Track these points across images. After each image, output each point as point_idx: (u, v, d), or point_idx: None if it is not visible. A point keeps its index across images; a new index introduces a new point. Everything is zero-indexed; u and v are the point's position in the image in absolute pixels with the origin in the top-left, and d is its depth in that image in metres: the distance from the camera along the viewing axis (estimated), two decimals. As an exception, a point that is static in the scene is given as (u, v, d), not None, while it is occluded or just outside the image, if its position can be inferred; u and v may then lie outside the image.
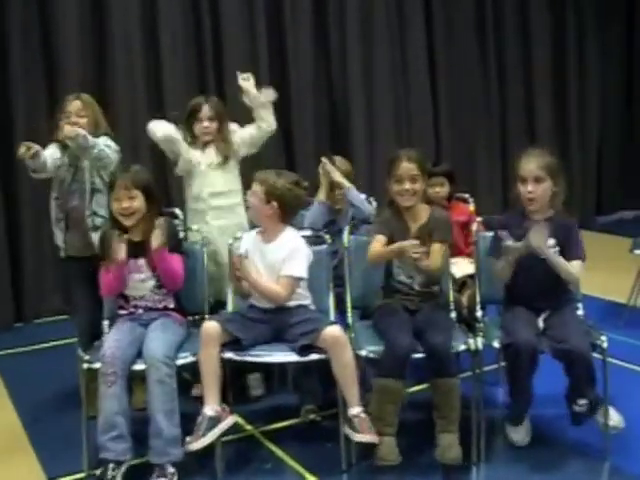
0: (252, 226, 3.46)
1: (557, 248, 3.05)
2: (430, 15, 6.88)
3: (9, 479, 3.11)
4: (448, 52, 7.01)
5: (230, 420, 3.00)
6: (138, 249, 3.13)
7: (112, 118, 3.63)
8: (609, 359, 2.99)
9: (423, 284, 3.17)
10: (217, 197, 3.63)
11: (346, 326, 3.26)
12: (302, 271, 3.09)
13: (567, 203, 3.21)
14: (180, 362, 3.00)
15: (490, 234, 3.31)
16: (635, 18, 7.98)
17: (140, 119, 3.71)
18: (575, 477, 2.93)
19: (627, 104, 8.11)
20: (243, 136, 3.70)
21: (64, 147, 3.53)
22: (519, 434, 3.09)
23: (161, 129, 3.61)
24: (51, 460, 3.19)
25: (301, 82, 6.20)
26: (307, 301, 3.19)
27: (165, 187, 5.10)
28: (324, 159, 3.78)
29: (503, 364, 3.28)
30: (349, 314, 3.32)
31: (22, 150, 3.28)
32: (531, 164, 3.07)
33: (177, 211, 3.79)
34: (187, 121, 3.66)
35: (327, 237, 3.41)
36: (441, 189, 3.83)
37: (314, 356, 2.96)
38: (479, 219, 3.53)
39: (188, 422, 2.94)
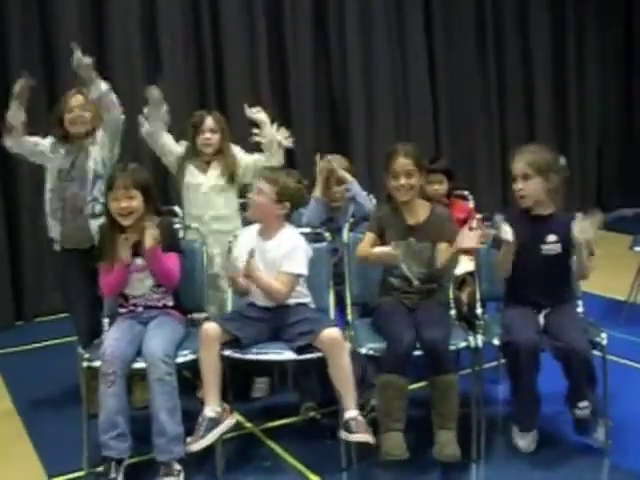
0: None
1: (559, 244, 3.05)
2: (430, 15, 6.88)
3: (9, 478, 3.11)
4: (448, 52, 7.01)
5: (230, 421, 3.00)
6: (137, 248, 3.12)
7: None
8: (609, 356, 2.98)
9: (422, 281, 3.16)
10: (218, 221, 3.61)
11: (346, 323, 3.27)
12: (302, 268, 3.10)
13: (567, 201, 3.21)
14: (180, 360, 3.00)
15: (490, 231, 3.31)
16: (635, 18, 7.99)
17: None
18: (575, 474, 2.93)
19: (627, 104, 8.11)
20: (248, 162, 3.67)
21: (61, 140, 3.54)
22: (526, 441, 3.05)
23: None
24: (51, 459, 3.19)
25: (301, 82, 6.20)
26: (307, 299, 3.19)
27: (165, 185, 5.09)
28: (319, 159, 3.77)
29: (503, 362, 3.28)
30: (349, 312, 3.32)
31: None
32: (519, 162, 3.08)
33: (176, 209, 3.80)
34: (190, 136, 3.64)
35: (327, 234, 3.41)
36: (440, 186, 3.82)
37: (312, 355, 2.96)
38: (479, 216, 3.52)
39: (191, 420, 2.95)
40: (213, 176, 3.62)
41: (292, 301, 3.12)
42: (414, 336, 2.93)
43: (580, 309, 3.24)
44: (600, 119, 7.92)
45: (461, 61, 7.06)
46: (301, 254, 3.10)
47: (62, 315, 4.95)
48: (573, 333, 2.91)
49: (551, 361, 2.92)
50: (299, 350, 2.96)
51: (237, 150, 3.72)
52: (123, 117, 3.58)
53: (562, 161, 3.12)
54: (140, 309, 3.17)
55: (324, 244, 3.38)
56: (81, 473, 3.04)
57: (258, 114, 3.66)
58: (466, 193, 4.07)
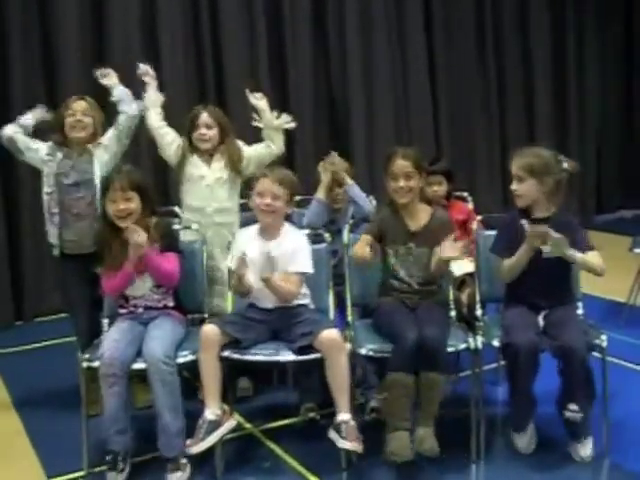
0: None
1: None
2: (430, 15, 6.89)
3: (8, 478, 3.11)
4: (448, 52, 7.02)
5: (230, 424, 3.00)
6: None
7: (112, 117, 3.63)
8: (609, 358, 2.99)
9: (422, 282, 3.17)
10: (221, 213, 3.60)
11: (346, 324, 3.27)
12: (309, 266, 3.10)
13: (566, 202, 3.20)
14: (180, 361, 3.00)
15: (490, 233, 3.32)
16: (635, 18, 7.99)
17: (139, 118, 3.70)
18: (575, 475, 2.93)
19: (627, 104, 8.11)
20: (250, 154, 3.66)
21: (60, 144, 3.55)
22: (523, 441, 3.06)
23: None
24: (51, 459, 3.19)
25: (300, 81, 6.21)
26: (307, 300, 3.19)
27: (165, 186, 5.10)
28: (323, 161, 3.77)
29: (503, 363, 3.28)
30: (349, 312, 3.32)
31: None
32: (513, 164, 3.09)
33: (176, 209, 3.80)
34: (187, 132, 3.62)
35: (327, 235, 3.41)
36: (439, 188, 3.82)
37: (311, 355, 2.95)
38: (479, 217, 3.53)
39: (191, 421, 2.96)
40: (217, 168, 3.60)
41: (293, 302, 3.11)
42: (417, 334, 2.93)
43: (580, 311, 3.24)
44: (600, 119, 7.92)
45: (461, 61, 7.06)
46: (306, 252, 3.11)
47: (62, 315, 4.95)
48: (571, 333, 2.90)
49: (551, 361, 2.92)
50: (299, 351, 2.96)
51: (239, 144, 3.70)
52: (138, 114, 3.63)
53: (564, 163, 3.12)
54: (140, 310, 3.17)
55: (324, 245, 3.38)
56: (80, 473, 3.04)
57: (260, 101, 3.67)
58: (465, 194, 4.07)
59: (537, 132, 7.43)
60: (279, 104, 3.92)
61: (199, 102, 5.48)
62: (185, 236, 3.43)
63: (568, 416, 2.91)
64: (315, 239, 3.35)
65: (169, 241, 3.19)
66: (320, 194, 3.72)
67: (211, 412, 2.93)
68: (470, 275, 3.50)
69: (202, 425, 2.90)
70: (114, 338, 3.01)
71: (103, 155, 3.53)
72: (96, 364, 2.96)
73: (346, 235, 3.41)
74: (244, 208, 3.65)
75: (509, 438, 3.11)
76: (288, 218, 3.26)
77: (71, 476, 3.05)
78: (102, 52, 5.39)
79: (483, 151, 7.25)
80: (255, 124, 3.66)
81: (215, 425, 2.92)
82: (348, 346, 3.00)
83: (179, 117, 3.82)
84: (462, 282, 3.59)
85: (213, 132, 3.59)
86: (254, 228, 3.21)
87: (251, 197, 3.16)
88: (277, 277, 3.01)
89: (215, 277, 3.52)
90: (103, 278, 3.14)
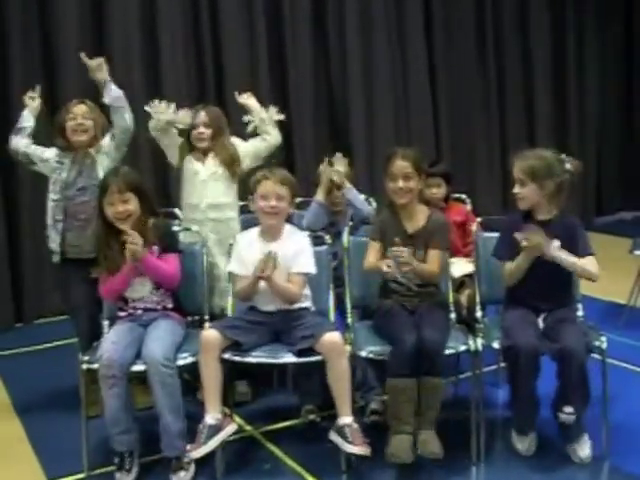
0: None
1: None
2: (430, 15, 6.88)
3: (9, 479, 3.11)
4: (448, 52, 7.01)
5: (231, 428, 2.99)
6: None
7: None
8: (609, 360, 2.99)
9: (420, 284, 3.16)
10: (215, 209, 3.60)
11: (346, 326, 3.27)
12: (312, 266, 3.10)
13: (568, 204, 3.20)
14: (180, 363, 2.99)
15: (490, 235, 3.31)
16: (635, 18, 7.99)
17: (139, 118, 3.69)
18: (575, 477, 2.93)
19: (627, 104, 8.11)
20: (247, 149, 3.69)
21: (65, 150, 3.54)
22: (524, 443, 3.06)
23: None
24: (51, 460, 3.19)
25: (300, 81, 6.20)
26: (308, 302, 3.18)
27: (165, 187, 5.10)
28: (325, 163, 3.77)
29: (503, 365, 3.28)
30: (349, 315, 3.32)
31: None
32: (515, 167, 3.09)
33: (176, 211, 3.80)
34: (185, 131, 3.64)
35: (327, 237, 3.41)
36: (438, 190, 3.81)
37: (312, 357, 2.95)
38: (479, 219, 3.52)
39: (191, 422, 2.97)
40: (211, 164, 3.61)
41: (294, 305, 3.11)
42: (416, 337, 2.93)
43: (580, 312, 3.24)
44: (600, 119, 7.91)
45: (461, 61, 7.06)
46: (308, 253, 3.12)
47: (62, 317, 4.95)
48: (570, 336, 2.90)
49: (551, 362, 2.91)
50: (300, 353, 2.95)
51: (237, 141, 3.72)
52: (132, 125, 3.60)
53: (567, 164, 3.12)
54: (140, 312, 3.17)
55: (324, 247, 3.37)
56: (81, 475, 3.04)
57: (248, 100, 3.79)
58: (463, 196, 4.06)
59: (537, 132, 7.44)
60: (279, 104, 3.91)
61: (199, 102, 5.51)
62: (185, 238, 3.44)
63: (563, 419, 2.91)
64: (315, 241, 3.35)
65: (169, 241, 3.19)
66: (319, 196, 3.72)
67: (211, 417, 2.92)
68: (469, 277, 3.50)
69: (203, 430, 2.90)
70: (113, 340, 3.01)
71: (104, 160, 3.54)
72: (96, 366, 2.95)
73: (346, 237, 3.41)
74: (243, 210, 3.65)
75: (509, 440, 3.11)
76: (289, 219, 3.26)
77: (71, 478, 3.05)
78: (102, 52, 5.36)
79: (483, 151, 7.25)
80: (247, 119, 3.72)
81: (215, 430, 2.91)
82: (348, 348, 2.99)
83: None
84: (461, 284, 3.59)
85: (210, 131, 3.62)
86: (255, 230, 3.20)
87: (251, 200, 3.16)
88: (279, 276, 3.00)
89: (213, 275, 3.52)
90: (101, 282, 3.14)
